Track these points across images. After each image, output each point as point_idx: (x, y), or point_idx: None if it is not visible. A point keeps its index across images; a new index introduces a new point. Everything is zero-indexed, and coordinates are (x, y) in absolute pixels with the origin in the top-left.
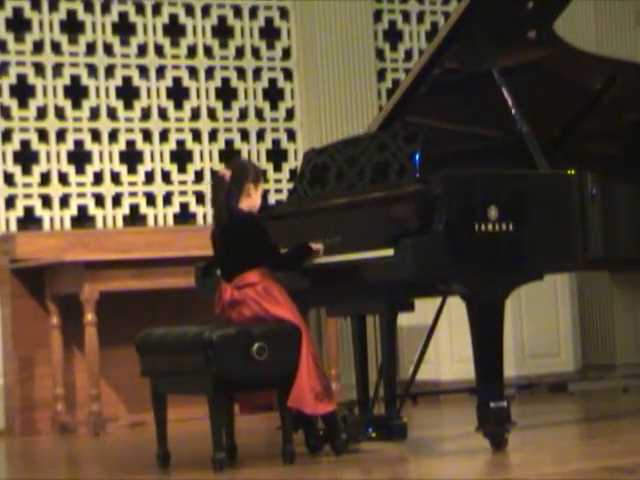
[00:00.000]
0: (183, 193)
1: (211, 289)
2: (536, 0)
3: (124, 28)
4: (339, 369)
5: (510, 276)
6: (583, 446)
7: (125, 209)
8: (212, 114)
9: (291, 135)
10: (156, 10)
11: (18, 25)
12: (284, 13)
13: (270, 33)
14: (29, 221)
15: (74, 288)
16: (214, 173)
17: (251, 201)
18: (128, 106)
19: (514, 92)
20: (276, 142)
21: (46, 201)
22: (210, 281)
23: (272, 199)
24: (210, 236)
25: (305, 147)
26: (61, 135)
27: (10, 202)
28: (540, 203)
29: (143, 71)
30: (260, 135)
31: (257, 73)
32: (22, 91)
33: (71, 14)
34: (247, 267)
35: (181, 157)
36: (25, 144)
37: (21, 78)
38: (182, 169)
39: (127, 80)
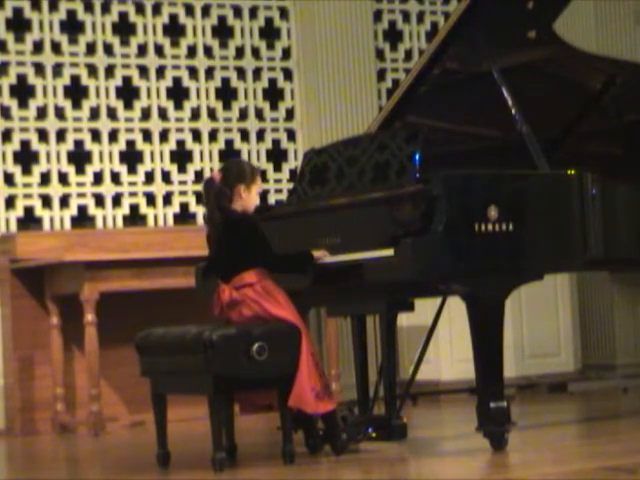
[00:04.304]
0: (183, 193)
1: (211, 289)
2: (536, 0)
3: (124, 28)
4: (339, 369)
5: (510, 276)
6: (583, 446)
7: (125, 209)
8: (212, 114)
9: (291, 135)
10: (156, 10)
11: (18, 25)
12: (284, 13)
13: (270, 33)
14: (29, 221)
15: (74, 288)
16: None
17: (243, 202)
18: (128, 106)
19: (514, 92)
20: (276, 142)
21: (46, 201)
22: (210, 281)
23: (272, 199)
24: (206, 237)
25: (305, 147)
26: (61, 135)
27: (10, 202)
28: (540, 203)
29: (143, 71)
30: (260, 135)
31: (257, 73)
32: (22, 91)
33: (71, 14)
34: (244, 267)
35: (181, 157)
36: (25, 144)
37: (21, 78)
38: (182, 169)
39: (127, 80)
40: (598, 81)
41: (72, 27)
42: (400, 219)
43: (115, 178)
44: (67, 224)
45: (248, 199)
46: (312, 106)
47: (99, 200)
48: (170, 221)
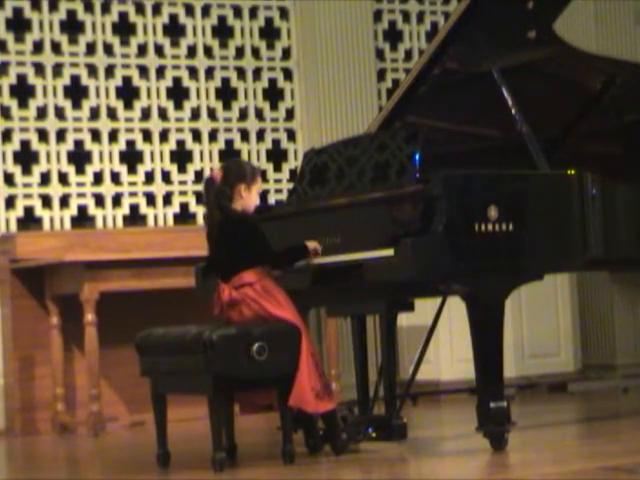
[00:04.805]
0: (183, 193)
1: (211, 289)
2: (536, 0)
3: (124, 28)
4: (339, 369)
5: (510, 276)
6: (583, 446)
7: (125, 209)
8: (212, 114)
9: (291, 135)
10: (156, 10)
11: (18, 25)
12: (284, 13)
13: (270, 33)
14: (29, 221)
15: (74, 288)
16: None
17: (243, 202)
18: (128, 106)
19: (514, 92)
20: (276, 142)
21: (46, 201)
22: (210, 281)
23: (272, 199)
24: (206, 237)
25: (305, 147)
26: (61, 135)
27: (10, 202)
28: (540, 203)
29: (143, 71)
30: (260, 135)
31: (257, 73)
32: (22, 91)
33: (71, 14)
34: (244, 267)
35: (181, 157)
36: (25, 144)
37: (21, 78)
38: (182, 169)
39: (127, 80)
40: (598, 81)
41: (72, 27)
42: (400, 219)
43: (115, 178)
44: (67, 224)
45: (248, 199)
46: (312, 106)
47: (99, 200)
48: (170, 221)
